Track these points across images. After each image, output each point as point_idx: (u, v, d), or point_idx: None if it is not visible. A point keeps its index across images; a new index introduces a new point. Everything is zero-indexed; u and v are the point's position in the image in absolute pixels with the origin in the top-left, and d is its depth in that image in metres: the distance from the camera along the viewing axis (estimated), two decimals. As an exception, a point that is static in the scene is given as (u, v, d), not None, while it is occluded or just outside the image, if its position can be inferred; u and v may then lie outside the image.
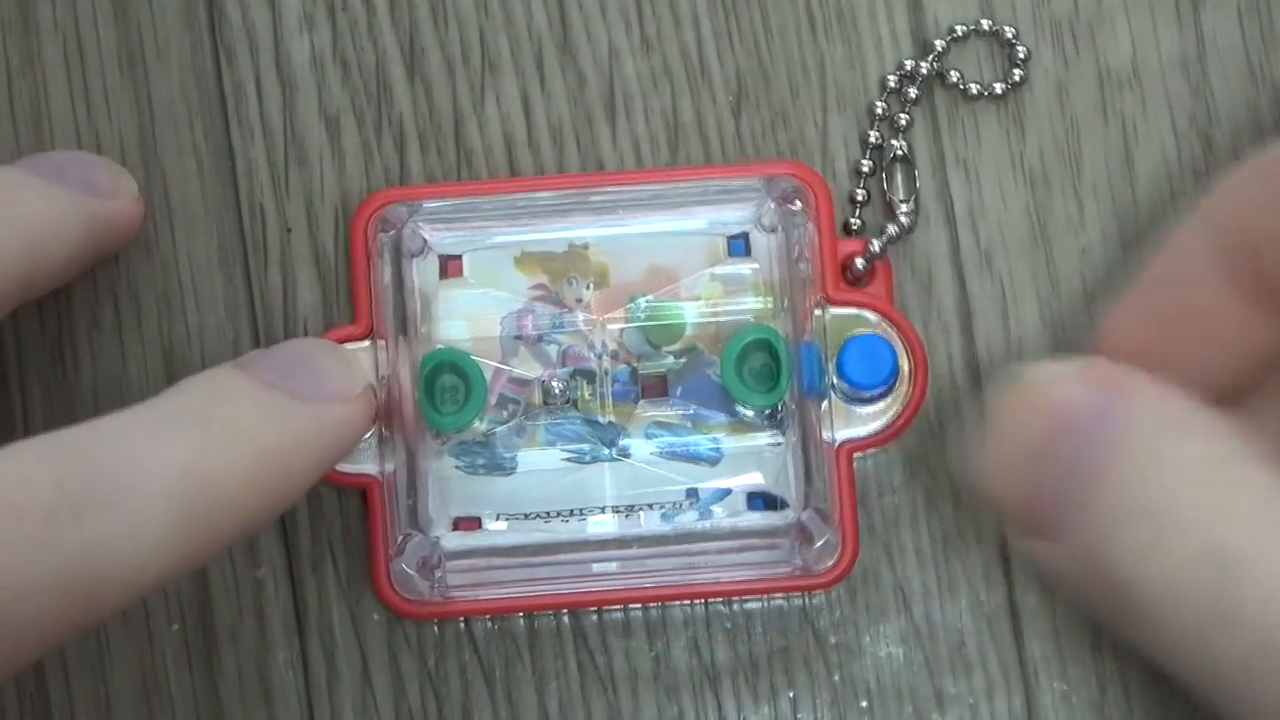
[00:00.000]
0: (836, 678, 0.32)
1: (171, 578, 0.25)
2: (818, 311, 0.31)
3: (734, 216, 0.32)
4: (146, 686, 0.32)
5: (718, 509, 0.31)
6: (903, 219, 0.32)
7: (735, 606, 0.32)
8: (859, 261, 0.31)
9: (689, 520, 0.31)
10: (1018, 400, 0.27)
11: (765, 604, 0.32)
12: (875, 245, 0.31)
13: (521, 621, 0.32)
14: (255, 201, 0.33)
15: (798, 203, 0.31)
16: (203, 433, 0.25)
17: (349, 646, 0.32)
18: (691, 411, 0.31)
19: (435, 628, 0.32)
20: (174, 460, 0.25)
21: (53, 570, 0.23)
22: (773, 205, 0.31)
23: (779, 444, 0.31)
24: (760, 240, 0.32)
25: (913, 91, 0.33)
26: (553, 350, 0.32)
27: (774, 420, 0.31)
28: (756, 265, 0.32)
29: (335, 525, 0.32)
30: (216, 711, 0.32)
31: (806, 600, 0.32)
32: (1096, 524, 0.26)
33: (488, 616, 0.32)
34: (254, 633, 0.32)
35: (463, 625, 0.32)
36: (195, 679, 0.32)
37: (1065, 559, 0.27)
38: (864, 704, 0.32)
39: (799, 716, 0.32)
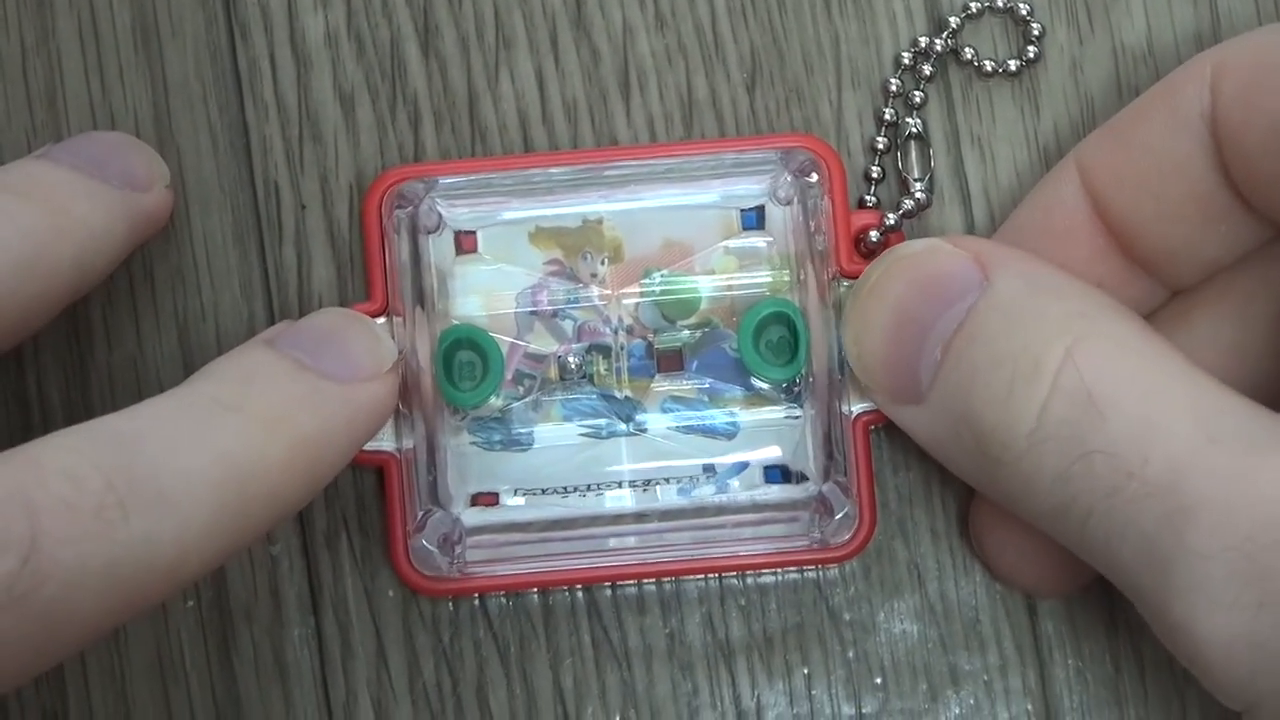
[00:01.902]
0: (851, 654, 0.32)
1: (210, 569, 0.25)
2: (832, 284, 0.31)
3: (748, 190, 0.32)
4: (162, 663, 0.32)
5: (735, 483, 0.31)
6: (919, 195, 0.32)
7: (750, 582, 0.32)
8: (873, 234, 0.31)
9: (706, 494, 0.31)
10: (886, 271, 0.28)
11: (779, 580, 0.32)
12: (891, 218, 0.31)
13: (536, 598, 0.32)
14: (270, 179, 0.33)
15: (814, 175, 0.31)
16: (240, 423, 0.25)
17: (364, 623, 0.32)
18: (708, 385, 0.31)
19: (450, 605, 0.32)
20: (214, 454, 0.25)
21: (102, 565, 0.23)
22: (789, 178, 0.31)
23: (796, 417, 0.31)
24: (775, 213, 0.32)
25: (927, 69, 0.33)
26: (568, 325, 0.32)
27: (790, 393, 0.31)
28: (771, 238, 0.32)
29: (349, 502, 0.32)
30: (231, 688, 0.32)
31: (821, 577, 0.32)
32: (956, 378, 0.27)
33: (503, 593, 0.32)
34: (269, 609, 0.32)
35: (477, 602, 0.32)
36: (210, 656, 0.32)
37: (927, 421, 0.28)
38: (878, 680, 0.32)
39: (813, 693, 0.32)
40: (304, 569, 0.32)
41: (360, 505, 0.32)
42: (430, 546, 0.30)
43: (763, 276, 0.32)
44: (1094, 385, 0.25)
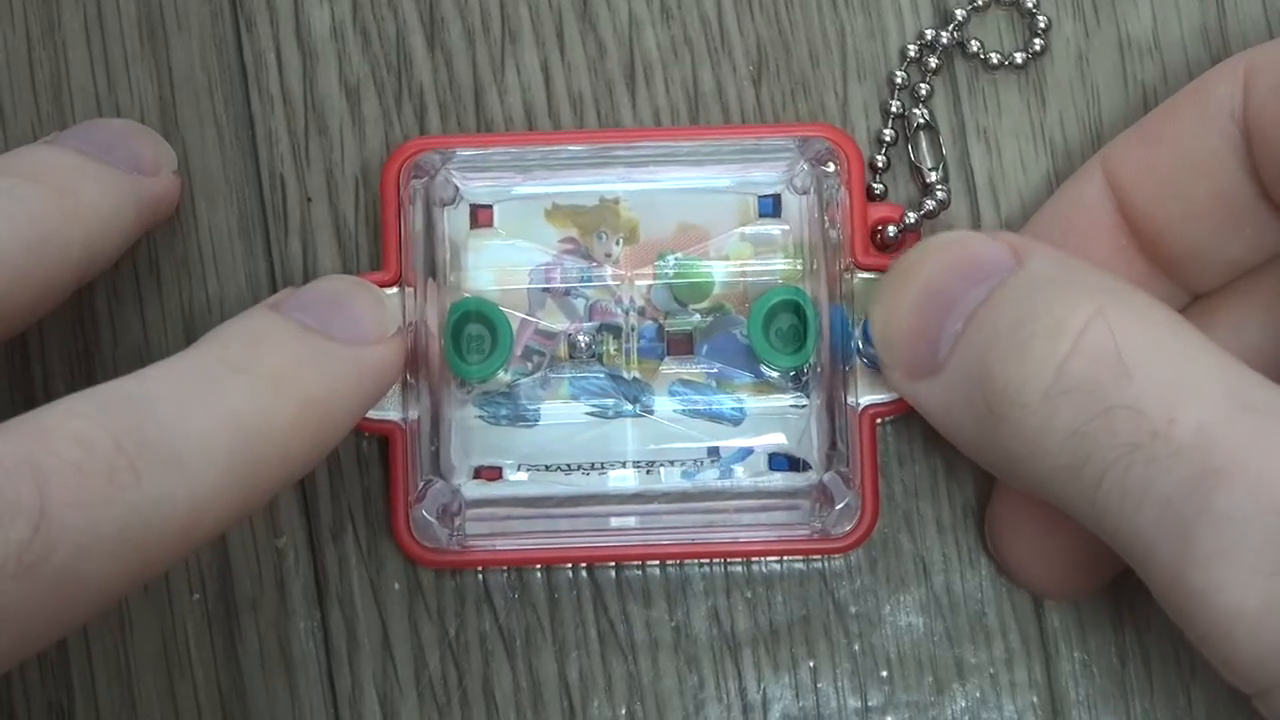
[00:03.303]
0: (857, 647, 0.32)
1: (222, 531, 0.25)
2: (845, 275, 0.31)
3: (765, 177, 0.32)
4: (167, 656, 0.32)
5: (739, 468, 0.31)
6: (939, 193, 0.32)
7: (756, 574, 0.32)
8: (891, 229, 0.31)
9: (710, 478, 0.31)
10: (920, 255, 0.28)
11: (785, 573, 0.32)
12: (911, 217, 0.31)
13: (542, 592, 0.32)
14: (276, 171, 0.33)
15: (831, 165, 0.31)
16: (249, 384, 0.25)
17: (369, 616, 0.32)
18: (716, 370, 0.32)
19: (455, 597, 0.32)
20: (224, 415, 0.25)
21: (114, 529, 0.23)
22: (806, 166, 0.31)
23: (803, 406, 0.31)
24: (791, 201, 0.32)
25: (933, 61, 0.33)
26: (580, 304, 0.32)
27: (798, 382, 0.31)
28: (786, 226, 0.32)
29: (355, 494, 0.32)
30: (237, 681, 0.32)
31: (827, 569, 0.32)
32: (975, 342, 0.26)
33: (504, 569, 0.32)
34: (274, 602, 0.32)
35: (483, 590, 0.32)
36: (216, 648, 0.32)
37: (941, 392, 0.27)
38: (884, 673, 0.32)
39: (819, 686, 0.32)
40: (310, 561, 0.32)
41: (366, 498, 0.32)
42: (429, 517, 0.30)
43: (776, 264, 0.32)
44: (1122, 345, 0.24)
